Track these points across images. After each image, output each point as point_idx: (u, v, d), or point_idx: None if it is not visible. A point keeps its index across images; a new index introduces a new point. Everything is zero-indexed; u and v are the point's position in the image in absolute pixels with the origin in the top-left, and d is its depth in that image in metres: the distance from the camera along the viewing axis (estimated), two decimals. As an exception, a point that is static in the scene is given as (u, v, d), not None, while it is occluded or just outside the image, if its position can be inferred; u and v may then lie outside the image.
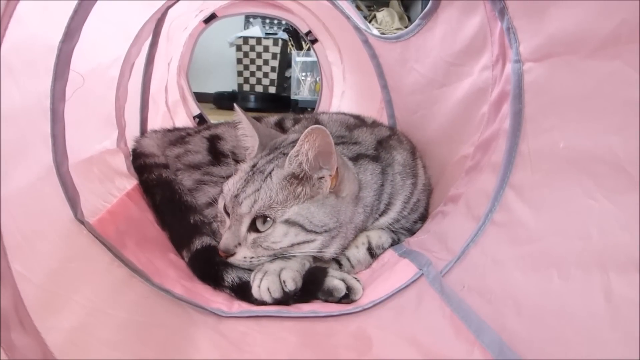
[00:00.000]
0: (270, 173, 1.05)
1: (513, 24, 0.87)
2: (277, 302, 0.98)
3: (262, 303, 0.99)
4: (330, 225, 1.04)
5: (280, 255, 1.04)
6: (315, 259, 1.10)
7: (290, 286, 0.98)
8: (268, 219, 1.01)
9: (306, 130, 0.97)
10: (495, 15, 0.93)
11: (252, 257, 1.03)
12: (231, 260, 1.04)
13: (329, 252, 1.07)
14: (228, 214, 1.07)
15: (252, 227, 1.03)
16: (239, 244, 1.03)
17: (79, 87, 0.99)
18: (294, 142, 1.05)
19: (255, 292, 0.99)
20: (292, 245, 1.02)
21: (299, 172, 1.03)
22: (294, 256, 1.06)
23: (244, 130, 1.21)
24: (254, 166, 1.09)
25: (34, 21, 0.81)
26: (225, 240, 1.03)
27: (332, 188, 1.05)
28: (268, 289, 0.97)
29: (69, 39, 0.90)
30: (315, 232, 1.03)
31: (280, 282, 0.98)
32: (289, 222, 1.01)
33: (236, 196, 1.04)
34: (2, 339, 0.60)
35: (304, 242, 1.03)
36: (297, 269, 1.03)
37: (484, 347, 0.73)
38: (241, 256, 1.03)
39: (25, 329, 0.65)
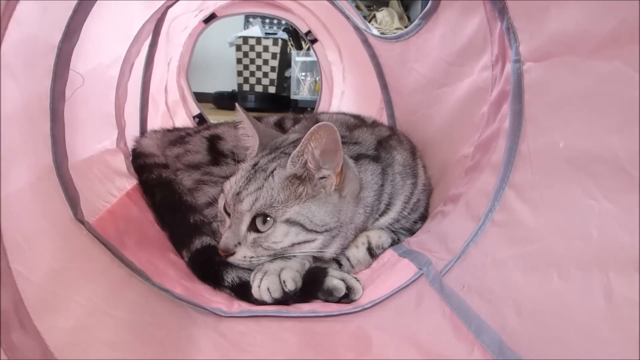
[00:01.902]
0: (272, 172, 1.05)
1: (513, 24, 0.87)
2: (277, 302, 0.98)
3: (262, 303, 0.99)
4: (331, 225, 1.04)
5: (280, 255, 1.04)
6: (315, 258, 1.10)
7: (290, 286, 0.98)
8: (268, 218, 1.01)
9: (313, 127, 0.96)
10: (495, 15, 0.93)
11: (252, 257, 1.03)
12: (231, 259, 1.03)
13: (329, 252, 1.07)
14: (228, 214, 1.06)
15: (252, 227, 1.02)
16: (239, 243, 1.03)
17: (78, 87, 0.99)
18: (295, 142, 1.05)
19: (255, 292, 0.99)
20: (293, 245, 1.02)
21: (302, 172, 1.03)
22: (294, 256, 1.06)
23: (244, 130, 1.20)
24: (255, 165, 1.09)
25: (33, 21, 0.81)
26: (225, 239, 1.03)
27: (337, 186, 1.05)
28: (268, 289, 0.97)
29: (68, 38, 0.90)
30: (316, 232, 1.03)
31: (280, 282, 0.98)
32: (289, 222, 1.01)
33: (238, 194, 1.04)
34: (2, 339, 0.60)
35: (304, 242, 1.03)
36: (297, 269, 1.03)
37: (484, 347, 0.73)
38: (241, 255, 1.03)
39: (25, 329, 0.65)
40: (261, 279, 0.99)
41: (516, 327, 0.71)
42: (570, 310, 0.64)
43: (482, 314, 0.78)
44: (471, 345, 0.75)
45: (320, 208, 1.03)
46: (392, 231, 1.26)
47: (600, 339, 0.58)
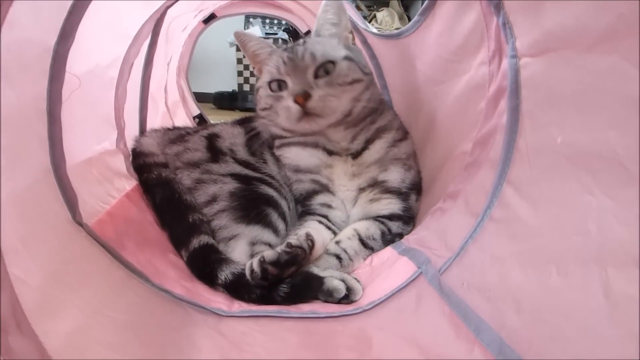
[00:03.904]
0: (305, 42, 1.27)
1: (509, 19, 0.86)
2: (268, 275, 0.99)
3: (259, 283, 1.00)
4: (367, 69, 1.30)
5: (344, 97, 1.21)
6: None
7: (295, 242, 1.01)
8: (330, 63, 1.21)
9: (323, 2, 1.27)
10: (491, 11, 0.92)
11: (325, 95, 1.18)
12: (309, 104, 1.16)
13: (364, 99, 1.26)
14: (281, 85, 1.24)
15: (316, 77, 1.20)
16: (312, 88, 1.18)
17: (75, 88, 0.98)
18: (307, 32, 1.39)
19: (247, 270, 1.01)
20: (353, 83, 1.22)
21: (331, 33, 1.30)
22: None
23: (256, 45, 1.36)
24: (286, 48, 1.30)
25: (28, 23, 0.80)
26: (299, 86, 1.18)
27: (353, 41, 1.34)
28: (262, 257, 0.99)
29: (64, 40, 0.90)
30: (363, 72, 1.26)
31: (278, 252, 1.00)
32: (347, 58, 1.23)
33: (291, 59, 1.22)
34: (0, 342, 0.60)
35: (359, 80, 1.24)
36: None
37: (484, 346, 0.72)
38: (317, 96, 1.16)
39: (22, 332, 0.65)
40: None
41: (515, 325, 0.71)
42: (569, 307, 0.63)
43: (481, 312, 0.78)
44: (471, 344, 0.75)
45: (356, 52, 1.32)
46: (381, 222, 1.27)
47: (599, 336, 0.58)
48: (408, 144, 1.38)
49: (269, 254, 0.99)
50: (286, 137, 1.37)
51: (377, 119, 1.32)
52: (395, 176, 1.30)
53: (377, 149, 1.30)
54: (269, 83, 1.26)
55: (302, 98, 1.14)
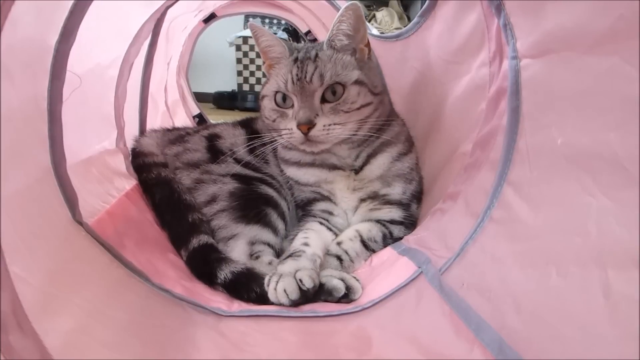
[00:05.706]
0: (317, 55, 1.21)
1: (510, 20, 0.86)
2: (295, 304, 0.98)
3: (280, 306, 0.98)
4: (379, 88, 1.25)
5: (349, 124, 1.18)
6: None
7: (308, 284, 0.98)
8: (338, 85, 1.17)
9: (341, 11, 1.17)
10: (492, 12, 0.93)
11: (330, 124, 1.16)
12: (312, 133, 1.15)
13: (373, 118, 1.23)
14: (286, 99, 1.22)
15: (323, 100, 1.18)
16: (317, 115, 1.16)
17: (76, 87, 0.98)
18: (314, 40, 1.24)
19: (271, 295, 0.99)
20: (360, 108, 1.19)
21: (344, 44, 1.22)
22: (304, 252, 1.09)
23: (268, 42, 1.29)
24: (296, 59, 1.23)
25: (29, 22, 0.80)
26: (304, 114, 1.16)
27: (368, 55, 1.27)
28: (285, 290, 0.97)
29: (65, 39, 0.90)
30: (373, 93, 1.21)
31: (297, 281, 0.98)
32: (357, 82, 1.18)
33: (300, 79, 1.18)
34: (0, 341, 0.60)
35: (367, 104, 1.20)
36: (312, 268, 1.04)
37: (484, 346, 0.72)
38: (321, 125, 1.15)
39: (23, 331, 0.65)
40: (277, 282, 0.99)
41: (515, 325, 0.71)
42: (568, 308, 0.64)
43: (481, 312, 0.78)
44: (471, 344, 0.75)
45: (370, 71, 1.25)
46: (383, 225, 1.27)
47: (598, 336, 0.58)
48: (412, 157, 1.37)
49: (290, 288, 0.98)
50: (286, 151, 1.38)
51: (383, 133, 1.29)
52: (397, 190, 1.30)
53: (379, 164, 1.30)
54: (275, 94, 1.24)
55: (306, 127, 1.15)
